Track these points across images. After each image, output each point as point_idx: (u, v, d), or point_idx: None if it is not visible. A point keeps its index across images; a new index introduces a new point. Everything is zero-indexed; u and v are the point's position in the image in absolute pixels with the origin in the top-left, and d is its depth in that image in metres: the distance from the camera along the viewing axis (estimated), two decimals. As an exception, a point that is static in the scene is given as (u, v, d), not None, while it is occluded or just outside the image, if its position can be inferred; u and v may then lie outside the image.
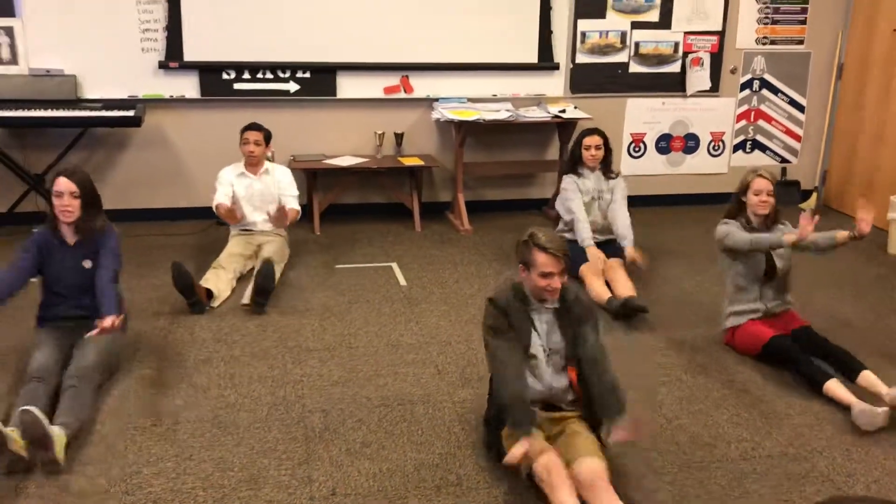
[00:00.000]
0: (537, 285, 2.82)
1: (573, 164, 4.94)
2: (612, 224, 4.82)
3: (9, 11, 5.25)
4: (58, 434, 2.90)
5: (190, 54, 5.52)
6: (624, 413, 2.78)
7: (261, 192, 4.85)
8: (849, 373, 3.53)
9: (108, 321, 3.28)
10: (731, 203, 3.91)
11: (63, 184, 3.39)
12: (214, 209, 4.78)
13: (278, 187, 4.86)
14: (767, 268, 3.82)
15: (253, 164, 4.86)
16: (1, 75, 5.27)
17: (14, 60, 5.34)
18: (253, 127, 4.83)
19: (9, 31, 5.29)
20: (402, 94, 5.95)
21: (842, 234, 3.61)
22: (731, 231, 3.82)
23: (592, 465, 2.68)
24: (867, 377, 3.48)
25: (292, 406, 3.38)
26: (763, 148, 6.68)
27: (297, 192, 4.90)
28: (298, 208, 4.84)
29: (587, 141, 4.85)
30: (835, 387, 3.48)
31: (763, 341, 3.76)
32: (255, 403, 3.39)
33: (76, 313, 3.51)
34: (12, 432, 2.83)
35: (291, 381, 3.59)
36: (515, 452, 2.66)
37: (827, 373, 3.54)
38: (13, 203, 5.45)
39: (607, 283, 4.53)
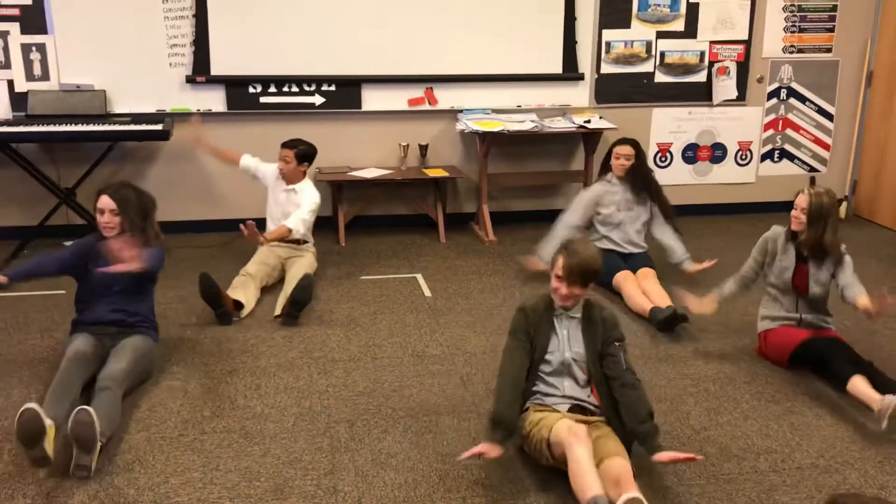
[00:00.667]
0: (552, 286, 3.00)
1: (603, 172, 4.99)
2: (661, 242, 4.88)
3: (41, 29, 5.36)
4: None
5: (217, 69, 5.59)
6: (658, 436, 2.87)
7: (283, 205, 4.89)
8: (879, 388, 3.42)
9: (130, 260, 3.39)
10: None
11: (104, 201, 3.55)
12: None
13: (297, 205, 4.87)
14: (796, 282, 3.80)
15: (282, 177, 4.91)
16: (33, 91, 5.37)
17: (46, 76, 5.44)
18: (287, 144, 4.90)
19: (41, 48, 5.39)
20: (426, 106, 5.97)
21: (863, 301, 3.64)
22: (764, 238, 3.92)
23: (620, 463, 2.71)
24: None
25: (318, 416, 3.39)
26: (791, 157, 6.62)
27: (305, 215, 4.77)
28: (293, 227, 4.71)
29: (617, 150, 4.86)
30: (860, 383, 3.39)
31: (796, 342, 3.73)
32: (281, 414, 3.40)
33: (113, 318, 3.58)
34: (50, 428, 2.88)
35: (317, 392, 3.60)
36: (472, 450, 2.82)
37: (855, 370, 3.47)
38: (44, 217, 5.53)
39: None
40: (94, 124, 5.27)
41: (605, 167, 4.97)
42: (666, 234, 4.88)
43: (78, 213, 5.51)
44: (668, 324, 4.22)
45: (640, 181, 4.87)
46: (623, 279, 4.64)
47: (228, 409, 3.44)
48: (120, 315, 3.59)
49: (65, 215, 5.60)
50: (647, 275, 4.66)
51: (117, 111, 5.53)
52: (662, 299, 4.41)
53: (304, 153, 4.90)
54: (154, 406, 3.45)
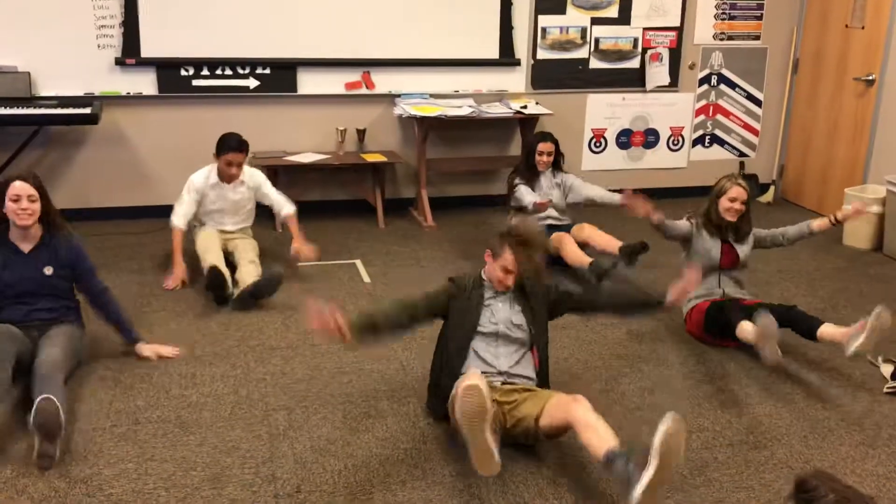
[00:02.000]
0: (497, 275, 3.10)
1: (527, 168, 5.08)
2: (591, 200, 5.06)
3: None
4: None
5: (147, 50, 5.44)
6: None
7: (234, 203, 4.77)
8: (808, 331, 3.70)
9: (145, 350, 3.70)
10: (708, 203, 4.11)
11: (21, 187, 3.35)
12: (172, 225, 4.62)
13: (258, 195, 4.80)
14: (728, 258, 4.03)
15: (225, 180, 4.72)
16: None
17: (-35, 57, 5.22)
18: (236, 147, 4.59)
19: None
20: (363, 90, 5.92)
21: (818, 223, 4.05)
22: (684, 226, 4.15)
23: (565, 397, 2.86)
24: (826, 330, 3.64)
25: (256, 405, 3.35)
26: (721, 142, 6.78)
27: (275, 192, 4.85)
28: (292, 210, 4.82)
29: (541, 147, 5.02)
30: (745, 326, 3.66)
31: (703, 310, 3.94)
32: (217, 403, 3.36)
33: (39, 317, 3.47)
34: None
35: (254, 380, 3.56)
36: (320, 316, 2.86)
37: (745, 316, 3.70)
38: None
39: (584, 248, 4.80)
40: (18, 107, 5.08)
41: (526, 165, 5.07)
42: (590, 188, 5.08)
43: None
44: (631, 256, 4.56)
45: (557, 168, 5.15)
46: (559, 238, 4.84)
47: (163, 398, 3.38)
48: (47, 314, 3.48)
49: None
50: (583, 227, 4.91)
51: (43, 94, 5.34)
52: (608, 241, 4.72)
53: (247, 148, 4.72)
54: (85, 397, 3.37)
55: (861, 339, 3.41)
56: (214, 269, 4.33)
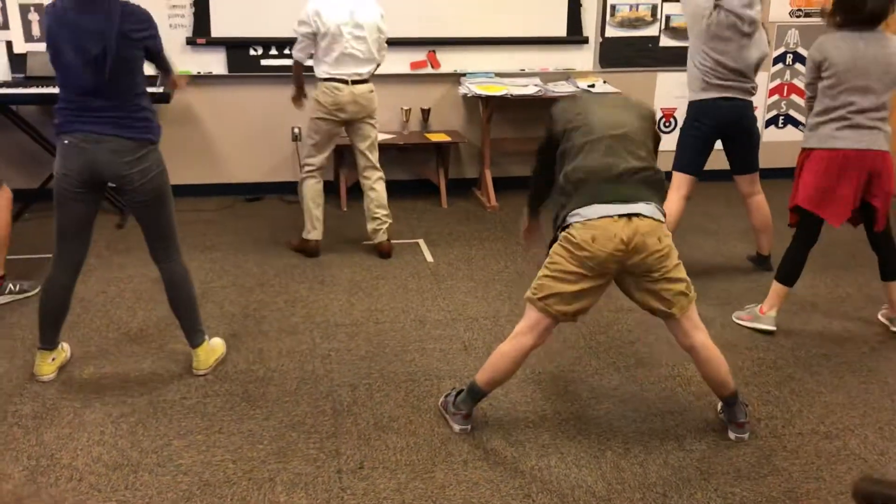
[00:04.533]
0: None
1: None
2: None
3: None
4: None
5: (217, 30, 5.53)
6: None
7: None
8: (885, 273, 3.75)
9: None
10: None
11: None
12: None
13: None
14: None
15: None
16: (32, 52, 5.31)
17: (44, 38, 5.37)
18: None
19: (39, 9, 5.32)
20: (428, 70, 5.91)
21: None
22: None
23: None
24: (894, 286, 3.70)
25: (321, 380, 3.40)
26: (796, 123, 6.56)
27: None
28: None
29: None
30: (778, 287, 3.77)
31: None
32: (283, 378, 3.42)
33: None
34: None
35: (319, 356, 3.61)
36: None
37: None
38: (45, 180, 5.50)
39: None
40: (93, 87, 5.21)
41: None
42: None
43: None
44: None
45: None
46: None
47: (231, 372, 3.45)
48: None
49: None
50: None
51: (117, 73, 5.46)
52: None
53: None
54: (156, 369, 3.47)
55: None
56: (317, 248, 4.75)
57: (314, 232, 4.75)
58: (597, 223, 2.74)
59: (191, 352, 3.45)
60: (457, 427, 3.02)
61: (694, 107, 4.31)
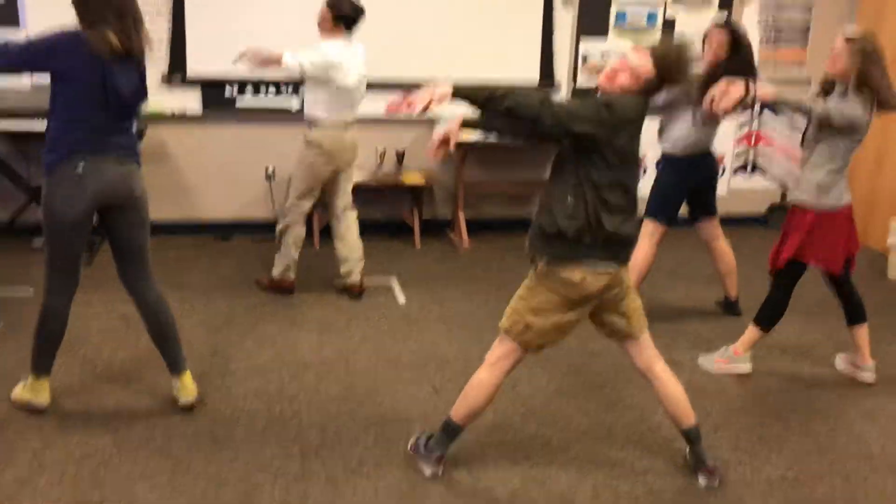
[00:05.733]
0: None
1: None
2: None
3: (13, 21, 5.27)
4: None
5: (193, 69, 5.54)
6: None
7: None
8: (850, 318, 3.90)
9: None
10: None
11: None
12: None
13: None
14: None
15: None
16: (6, 88, 5.28)
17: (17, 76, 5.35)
18: None
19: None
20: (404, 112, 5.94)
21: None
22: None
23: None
24: (860, 332, 3.84)
25: (289, 422, 3.36)
26: (763, 171, 6.69)
27: (304, 57, 4.38)
28: (286, 59, 4.36)
29: None
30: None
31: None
32: (251, 419, 3.37)
33: None
34: None
35: (288, 397, 3.57)
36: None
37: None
38: (13, 214, 5.44)
39: None
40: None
41: None
42: None
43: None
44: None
45: None
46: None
47: (198, 412, 3.40)
48: None
49: (35, 213, 5.51)
50: None
51: (91, 109, 5.45)
52: None
53: (342, 15, 4.37)
54: (121, 408, 3.40)
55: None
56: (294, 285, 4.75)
57: (291, 272, 4.74)
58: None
59: (172, 385, 3.41)
60: (428, 471, 2.99)
61: (685, 162, 4.43)
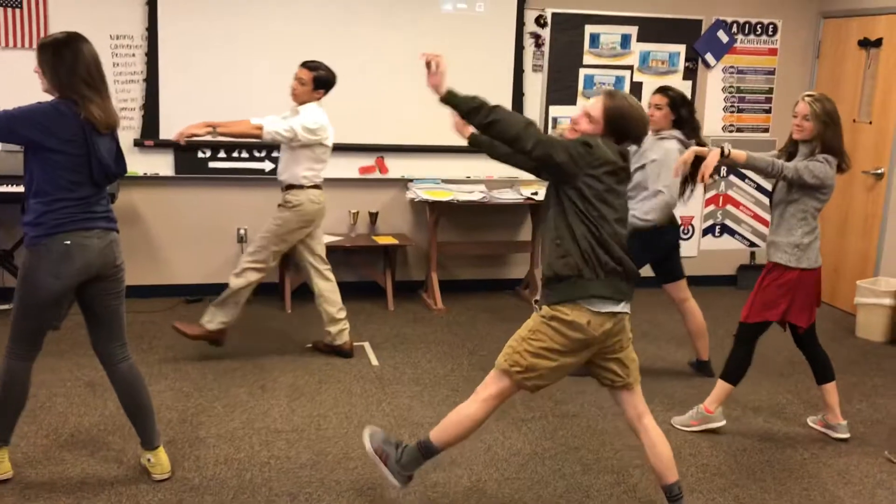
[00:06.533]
0: None
1: None
2: None
3: None
4: None
5: (166, 132, 5.56)
6: None
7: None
8: (819, 377, 3.92)
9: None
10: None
11: None
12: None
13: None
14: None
15: (293, 98, 4.58)
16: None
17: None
18: (308, 64, 4.52)
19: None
20: (377, 175, 6.01)
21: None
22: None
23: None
24: (830, 390, 3.88)
25: (259, 490, 3.28)
26: (732, 232, 6.80)
27: (284, 126, 4.42)
28: (267, 128, 4.39)
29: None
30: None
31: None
32: (220, 487, 3.29)
33: None
34: None
35: (258, 464, 3.50)
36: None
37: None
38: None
39: None
40: (36, 185, 5.15)
41: None
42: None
43: (14, 276, 5.35)
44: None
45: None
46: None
47: (165, 481, 3.31)
48: None
49: (1, 277, 5.44)
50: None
51: (62, 173, 5.42)
52: None
53: (323, 79, 4.50)
54: (86, 478, 3.31)
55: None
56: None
57: (229, 322, 4.64)
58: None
59: (143, 457, 3.33)
60: (395, 482, 3.02)
61: (663, 231, 4.56)
